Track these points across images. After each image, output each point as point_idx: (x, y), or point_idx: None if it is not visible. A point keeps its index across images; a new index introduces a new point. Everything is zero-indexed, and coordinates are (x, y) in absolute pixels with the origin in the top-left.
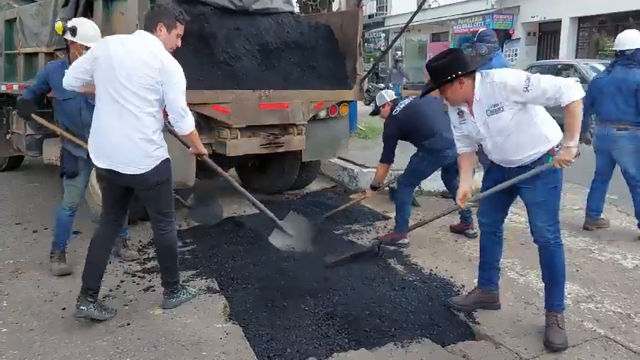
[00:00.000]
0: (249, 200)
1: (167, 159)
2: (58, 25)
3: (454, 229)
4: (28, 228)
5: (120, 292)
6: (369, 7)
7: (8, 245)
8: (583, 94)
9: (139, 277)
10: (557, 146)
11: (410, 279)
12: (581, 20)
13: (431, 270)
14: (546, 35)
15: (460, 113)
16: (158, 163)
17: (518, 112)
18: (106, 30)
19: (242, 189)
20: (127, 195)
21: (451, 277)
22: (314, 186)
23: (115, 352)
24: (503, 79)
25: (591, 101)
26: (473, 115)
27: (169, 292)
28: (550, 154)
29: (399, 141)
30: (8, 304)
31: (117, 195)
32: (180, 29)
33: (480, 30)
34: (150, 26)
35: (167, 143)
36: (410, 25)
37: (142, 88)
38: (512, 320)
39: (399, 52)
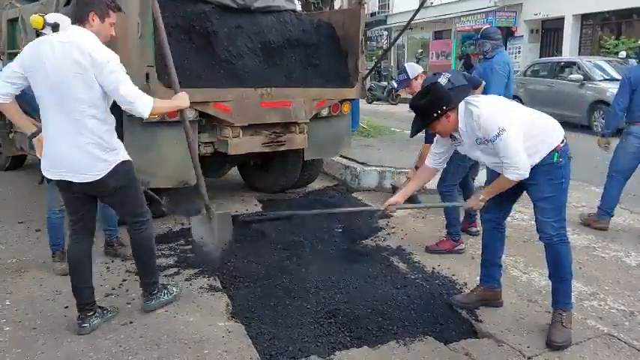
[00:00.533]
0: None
1: (125, 161)
2: (36, 18)
3: None
4: (30, 227)
5: (122, 290)
6: (372, 5)
7: (11, 244)
8: (519, 178)
9: None
10: (562, 142)
11: (412, 277)
12: (584, 17)
13: (433, 268)
14: (549, 33)
15: (452, 137)
16: (113, 166)
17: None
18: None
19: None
20: (91, 201)
21: (453, 275)
22: (316, 184)
23: (118, 350)
24: (478, 122)
25: (630, 99)
26: (464, 141)
27: (148, 294)
28: (556, 149)
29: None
30: (11, 302)
31: (78, 203)
32: (113, 17)
33: (484, 27)
34: (81, 17)
35: (166, 142)
36: (412, 23)
37: (78, 90)
38: (515, 318)
39: (420, 50)
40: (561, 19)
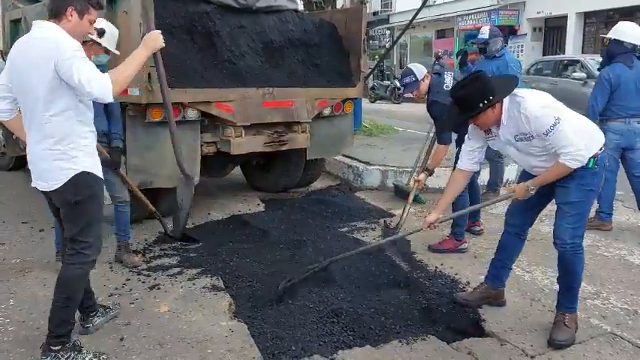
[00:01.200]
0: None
1: (85, 172)
2: None
3: None
4: (34, 227)
5: (126, 290)
6: (374, 4)
7: (15, 244)
8: (579, 164)
9: (144, 275)
10: (600, 149)
11: (415, 276)
12: (587, 15)
13: (436, 267)
14: (552, 31)
15: (487, 131)
16: (71, 176)
17: (552, 136)
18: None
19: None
20: None
21: (456, 274)
22: (319, 184)
23: (121, 350)
24: (532, 114)
25: (608, 99)
26: (500, 136)
27: (46, 346)
28: (594, 157)
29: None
30: (15, 302)
31: (58, 213)
32: (93, 15)
33: (487, 27)
34: (57, 12)
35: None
36: (415, 22)
37: (42, 90)
38: (517, 317)
39: (440, 50)
40: (564, 17)
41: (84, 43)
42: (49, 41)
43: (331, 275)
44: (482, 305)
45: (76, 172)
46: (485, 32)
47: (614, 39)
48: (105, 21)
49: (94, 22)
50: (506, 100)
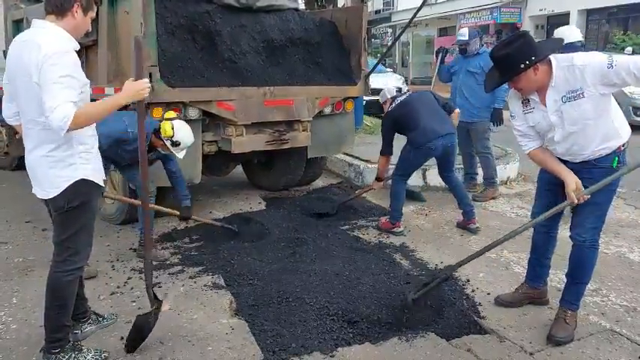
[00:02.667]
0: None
1: (83, 180)
2: (166, 126)
3: (460, 225)
4: (37, 226)
5: (127, 288)
6: (376, 3)
7: (18, 243)
8: None
9: None
10: (624, 145)
11: (415, 273)
12: (590, 12)
13: (436, 265)
14: (554, 28)
15: (525, 102)
16: (69, 184)
17: (600, 100)
18: (112, 30)
19: None
20: None
21: (456, 272)
22: (320, 182)
23: (122, 348)
24: (585, 61)
25: None
26: (543, 102)
27: (45, 351)
28: (617, 153)
29: (402, 136)
30: (18, 300)
31: None
32: (94, 11)
33: (465, 29)
34: (64, 8)
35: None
36: (417, 19)
37: (32, 95)
38: (517, 314)
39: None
40: (567, 15)
41: (159, 139)
42: (36, 47)
43: (330, 272)
44: (482, 302)
45: (74, 180)
46: (464, 34)
47: (567, 42)
48: (186, 130)
49: (93, 17)
50: (554, 62)
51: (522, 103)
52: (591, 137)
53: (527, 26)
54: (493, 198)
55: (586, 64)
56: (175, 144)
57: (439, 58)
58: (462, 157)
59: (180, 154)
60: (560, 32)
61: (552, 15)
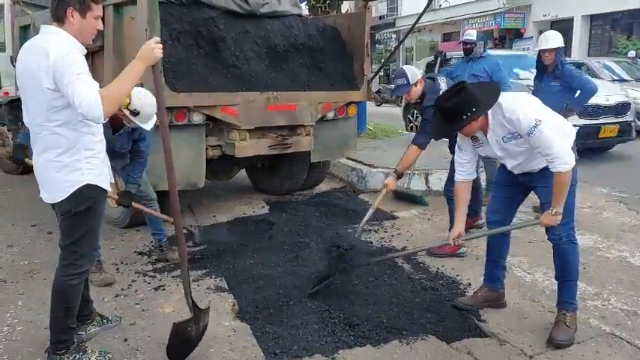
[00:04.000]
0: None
1: (90, 185)
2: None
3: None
4: (42, 230)
5: (131, 291)
6: (380, 8)
7: (23, 246)
8: (568, 168)
9: (149, 276)
10: (572, 147)
11: (416, 277)
12: (594, 18)
13: (437, 268)
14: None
15: (474, 138)
16: (75, 189)
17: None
18: (118, 35)
19: None
20: None
21: (457, 276)
22: (323, 186)
23: (126, 349)
24: (514, 115)
25: None
26: (487, 139)
27: (50, 351)
28: None
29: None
30: (23, 303)
31: None
32: (97, 10)
33: (473, 30)
34: (59, 15)
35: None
36: (421, 25)
37: (38, 100)
38: (517, 317)
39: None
40: (570, 20)
41: (119, 110)
42: (44, 53)
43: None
44: (484, 307)
45: (80, 185)
46: (472, 34)
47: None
48: (143, 97)
49: (100, 16)
50: (489, 111)
51: (471, 139)
52: (538, 158)
53: (531, 32)
54: None
55: (514, 121)
56: (134, 113)
57: (438, 61)
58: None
59: (146, 126)
60: (543, 37)
61: (556, 20)
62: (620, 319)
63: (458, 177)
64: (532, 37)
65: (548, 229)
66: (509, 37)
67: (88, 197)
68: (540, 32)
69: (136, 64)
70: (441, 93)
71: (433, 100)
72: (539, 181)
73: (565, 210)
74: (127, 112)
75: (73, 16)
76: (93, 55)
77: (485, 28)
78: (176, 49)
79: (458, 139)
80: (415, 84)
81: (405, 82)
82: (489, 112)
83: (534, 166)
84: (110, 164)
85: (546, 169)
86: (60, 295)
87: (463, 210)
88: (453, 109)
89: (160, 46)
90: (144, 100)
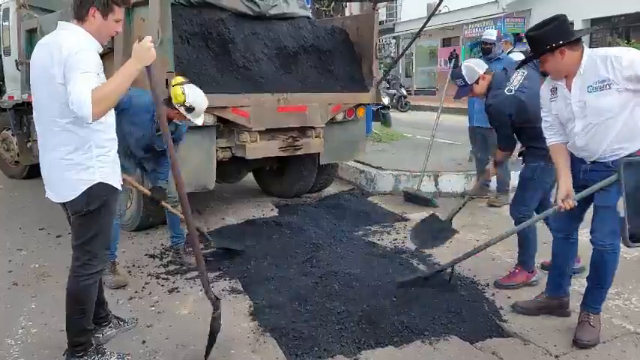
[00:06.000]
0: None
1: (101, 183)
2: (177, 91)
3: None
4: (51, 233)
5: (145, 293)
6: (380, 14)
7: (33, 250)
8: None
9: (162, 278)
10: None
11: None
12: (594, 22)
13: (453, 269)
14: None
15: (553, 90)
16: (86, 187)
17: (626, 95)
18: (128, 37)
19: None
20: None
21: (474, 276)
22: (331, 189)
23: (145, 351)
24: (620, 52)
25: None
26: (569, 89)
27: (69, 355)
28: (636, 155)
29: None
30: (37, 305)
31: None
32: (118, 13)
33: (494, 31)
34: (80, 14)
35: (185, 147)
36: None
37: (51, 95)
38: (540, 318)
39: (454, 50)
40: (571, 24)
41: (173, 108)
42: (57, 47)
43: (349, 277)
44: (503, 306)
45: (92, 184)
46: (493, 34)
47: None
48: (198, 94)
49: (121, 20)
50: (587, 51)
51: (551, 91)
52: (610, 132)
53: None
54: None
55: (620, 56)
56: (189, 109)
57: (451, 63)
58: (475, 163)
59: (197, 121)
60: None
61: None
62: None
63: (549, 140)
64: None
65: (593, 232)
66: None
67: (99, 196)
68: None
69: (130, 64)
70: (506, 90)
71: (495, 96)
72: (596, 174)
73: (615, 216)
74: (182, 109)
75: (94, 16)
76: (102, 58)
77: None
78: (187, 51)
79: (541, 94)
80: (477, 81)
81: (463, 83)
82: (586, 52)
83: (601, 141)
84: (144, 163)
85: (602, 163)
86: (74, 297)
87: (567, 169)
88: (539, 37)
89: (152, 45)
90: (198, 95)
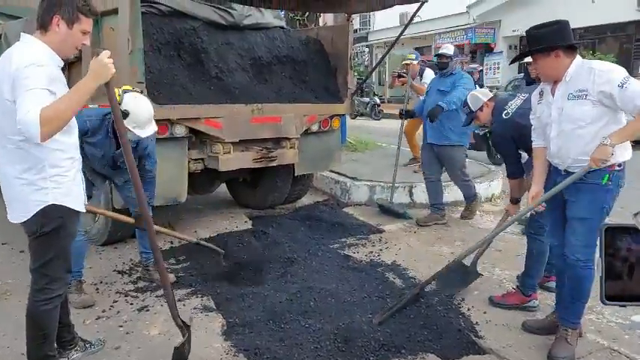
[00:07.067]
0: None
1: (55, 205)
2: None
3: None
4: (14, 248)
5: (113, 312)
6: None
7: None
8: None
9: (132, 296)
10: (619, 165)
11: (409, 292)
12: None
13: (430, 284)
14: (527, 48)
15: (541, 93)
16: (39, 209)
17: (601, 109)
18: (96, 46)
19: None
20: None
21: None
22: (305, 200)
23: None
24: (604, 67)
25: None
26: (552, 94)
27: None
28: (608, 170)
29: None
30: None
31: None
32: (85, 23)
33: (451, 45)
34: (44, 22)
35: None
36: (393, 39)
37: (3, 112)
38: (516, 334)
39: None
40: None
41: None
42: (8, 62)
43: (325, 292)
44: (479, 321)
45: (45, 205)
46: (450, 49)
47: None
48: (134, 99)
49: (88, 32)
50: (577, 60)
51: (539, 94)
52: (579, 142)
53: (500, 46)
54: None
55: (602, 70)
56: (124, 114)
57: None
58: (425, 184)
59: (141, 132)
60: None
61: (525, 36)
62: (616, 333)
63: (534, 143)
64: (502, 52)
65: (565, 246)
66: (479, 51)
67: (54, 218)
68: (509, 47)
69: (86, 82)
70: (503, 115)
71: (498, 122)
72: (571, 194)
73: (588, 232)
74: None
75: (58, 25)
76: (70, 67)
77: (457, 43)
78: (158, 61)
79: (532, 100)
80: (481, 108)
81: (468, 110)
82: (575, 61)
83: (570, 149)
84: (112, 179)
85: (581, 180)
86: (34, 322)
87: (541, 169)
88: (539, 35)
89: (112, 60)
90: (138, 102)
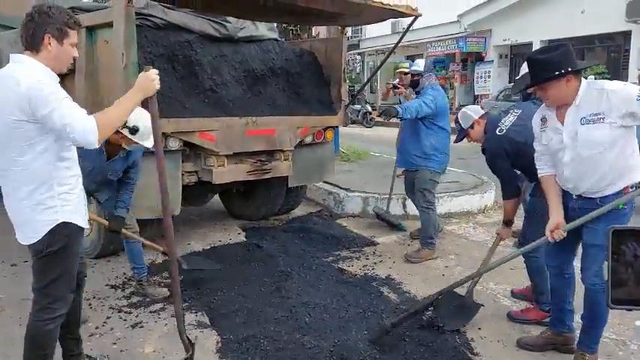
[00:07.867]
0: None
1: (65, 223)
2: None
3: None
4: (5, 262)
5: (107, 329)
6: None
7: None
8: None
9: (125, 312)
10: (632, 187)
11: (404, 307)
12: (551, 43)
13: (424, 298)
14: (518, 57)
15: (543, 119)
16: (49, 228)
17: (618, 131)
18: (90, 59)
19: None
20: None
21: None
22: (299, 211)
23: None
24: (615, 87)
25: None
26: (560, 119)
27: None
28: (625, 193)
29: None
30: None
31: None
32: (73, 36)
33: (422, 60)
34: (35, 43)
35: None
36: (385, 47)
37: (14, 134)
38: (511, 351)
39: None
40: (529, 45)
41: (117, 132)
42: (15, 83)
43: (320, 308)
44: (474, 338)
45: (54, 224)
46: (420, 64)
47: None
48: (140, 113)
49: (76, 43)
50: (584, 82)
51: (541, 120)
52: (599, 167)
53: (491, 55)
54: (430, 259)
55: (615, 90)
56: (133, 131)
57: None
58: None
59: (146, 143)
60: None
61: (515, 45)
62: (610, 349)
63: (540, 171)
64: (493, 61)
65: (583, 271)
66: (470, 60)
67: (62, 237)
68: (500, 56)
69: (133, 95)
70: (497, 131)
71: (488, 140)
72: (587, 211)
73: (604, 255)
74: (125, 132)
75: (50, 43)
76: (63, 79)
77: (448, 52)
78: None
79: (534, 128)
80: (472, 126)
81: (459, 127)
82: (584, 84)
83: (588, 175)
84: (97, 195)
85: (590, 199)
86: (35, 342)
87: (557, 199)
88: (546, 61)
89: (159, 78)
90: (140, 115)
